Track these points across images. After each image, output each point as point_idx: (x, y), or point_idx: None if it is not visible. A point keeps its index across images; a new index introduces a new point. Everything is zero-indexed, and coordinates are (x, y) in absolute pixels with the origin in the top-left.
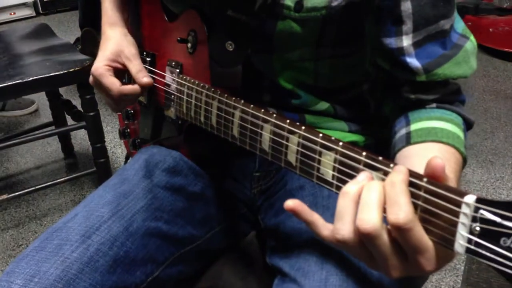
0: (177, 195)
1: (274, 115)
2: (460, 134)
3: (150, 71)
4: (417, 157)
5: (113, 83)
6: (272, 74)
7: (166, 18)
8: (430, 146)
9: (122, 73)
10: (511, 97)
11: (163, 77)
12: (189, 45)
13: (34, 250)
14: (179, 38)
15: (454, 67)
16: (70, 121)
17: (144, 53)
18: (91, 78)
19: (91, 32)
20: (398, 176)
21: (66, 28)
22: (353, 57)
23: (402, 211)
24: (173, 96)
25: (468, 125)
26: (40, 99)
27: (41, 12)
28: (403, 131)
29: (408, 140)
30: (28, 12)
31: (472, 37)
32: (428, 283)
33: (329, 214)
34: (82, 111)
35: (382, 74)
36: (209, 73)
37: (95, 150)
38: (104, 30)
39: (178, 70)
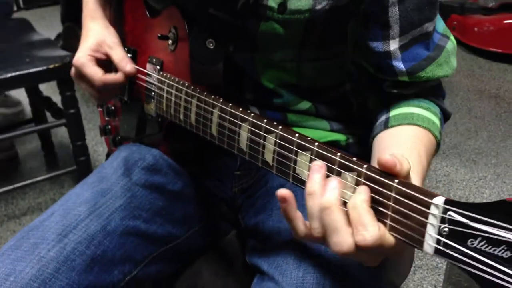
0: (156, 194)
1: (252, 114)
2: (436, 120)
3: None
4: (392, 137)
5: (95, 72)
6: (254, 73)
7: (148, 14)
8: (405, 128)
9: (104, 64)
10: (495, 97)
11: (144, 74)
12: (170, 42)
13: (9, 249)
14: (159, 35)
15: (436, 69)
16: (50, 118)
17: (126, 48)
18: (72, 70)
19: (73, 27)
20: (359, 197)
21: (48, 23)
22: (336, 59)
23: (368, 231)
24: (153, 93)
25: (445, 116)
26: (20, 95)
27: (22, 6)
28: (383, 118)
29: (386, 124)
30: None
31: (451, 37)
32: (410, 282)
33: (307, 212)
34: (63, 108)
35: (365, 74)
36: (189, 71)
37: (75, 148)
38: (85, 23)
39: (158, 67)
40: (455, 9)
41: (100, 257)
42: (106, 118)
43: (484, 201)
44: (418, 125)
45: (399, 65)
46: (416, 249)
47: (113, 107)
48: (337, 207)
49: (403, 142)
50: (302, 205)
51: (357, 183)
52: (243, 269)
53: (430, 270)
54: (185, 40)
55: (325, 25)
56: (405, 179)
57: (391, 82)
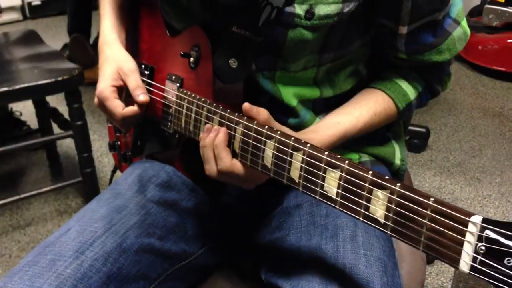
0: (170, 211)
1: (279, 132)
2: (410, 93)
3: (148, 84)
4: (362, 93)
5: (116, 106)
6: (275, 92)
7: (168, 33)
8: (374, 91)
9: (125, 91)
10: (499, 115)
11: (162, 90)
12: (191, 59)
13: (27, 264)
14: (182, 53)
15: (435, 55)
16: (56, 128)
17: (143, 66)
18: (96, 100)
19: (79, 39)
20: (218, 139)
21: (54, 33)
22: (351, 57)
23: (223, 162)
24: (171, 109)
25: (433, 93)
26: (26, 106)
27: (28, 16)
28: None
29: (370, 82)
30: (15, 16)
31: (463, 22)
32: None
33: (328, 234)
34: (69, 119)
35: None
36: (212, 89)
37: (81, 160)
38: (101, 49)
39: (178, 84)
40: None
41: (116, 275)
42: (117, 134)
43: None
44: (385, 92)
45: (401, 45)
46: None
47: None
48: (209, 146)
49: (358, 101)
50: (321, 226)
51: (390, 201)
52: (256, 287)
53: None
54: (208, 58)
55: (346, 26)
56: (264, 122)
57: (391, 54)
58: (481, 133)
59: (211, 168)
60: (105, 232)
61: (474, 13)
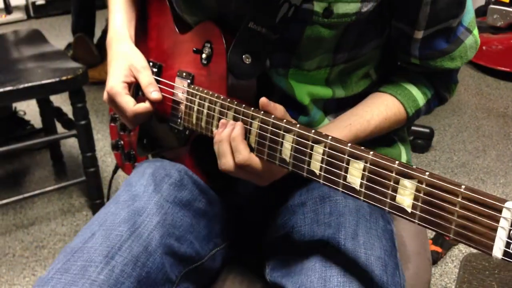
0: (185, 211)
1: (298, 125)
2: (420, 99)
3: (157, 81)
4: (372, 97)
5: (127, 102)
6: (288, 89)
7: (177, 30)
8: (384, 95)
9: (135, 88)
10: (503, 116)
11: (171, 87)
12: (203, 56)
13: (58, 272)
14: (195, 49)
15: (447, 61)
16: (60, 128)
17: (151, 63)
18: (105, 96)
19: (83, 38)
20: (235, 132)
21: (58, 33)
22: (363, 59)
23: (241, 155)
24: (181, 106)
25: (440, 100)
26: (30, 105)
27: (32, 15)
28: (384, 82)
29: (380, 87)
30: (19, 15)
31: (475, 31)
32: None
33: (331, 232)
34: (73, 119)
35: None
36: (225, 84)
37: (85, 159)
38: (110, 45)
39: (189, 81)
40: None
41: (145, 279)
42: (121, 133)
43: None
44: (396, 97)
45: (415, 50)
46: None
47: None
48: (226, 139)
49: (369, 105)
50: (324, 224)
51: (418, 190)
52: (264, 287)
53: None
54: (221, 54)
55: (363, 26)
56: (283, 116)
57: (403, 58)
58: (485, 133)
59: (227, 162)
60: (131, 236)
61: (479, 13)
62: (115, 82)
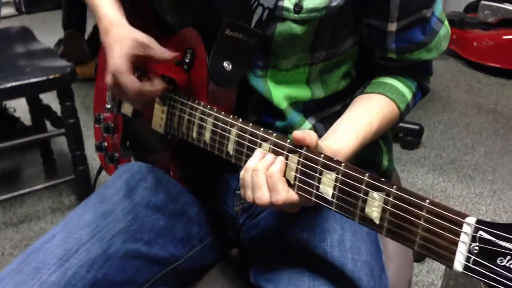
0: (159, 214)
1: (274, 134)
2: (407, 93)
3: None
4: (362, 100)
5: (135, 80)
6: (266, 93)
7: (160, 34)
8: (374, 96)
9: (138, 67)
10: (493, 112)
11: None
12: (186, 61)
13: (11, 272)
14: (175, 62)
15: (424, 53)
16: (49, 126)
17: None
18: (109, 78)
19: (74, 34)
20: (275, 167)
21: (49, 28)
22: (342, 57)
23: (280, 195)
24: (163, 110)
25: (423, 91)
26: (20, 103)
27: (23, 10)
28: (365, 83)
29: (364, 89)
30: (10, 10)
31: (446, 21)
32: None
33: (316, 239)
34: (62, 118)
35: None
36: (206, 91)
37: (74, 158)
38: (108, 30)
39: (171, 86)
40: (454, 23)
41: (101, 281)
42: (104, 135)
43: (480, 217)
44: (385, 95)
45: (391, 44)
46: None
47: (113, 124)
48: (262, 171)
49: (365, 107)
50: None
51: (386, 202)
52: None
53: (426, 287)
54: (202, 61)
55: (336, 22)
56: (315, 147)
57: (380, 54)
58: (474, 130)
59: (263, 196)
60: (91, 239)
61: (470, 9)
62: (121, 61)
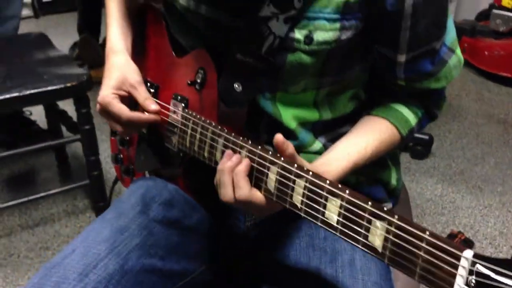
0: (173, 229)
1: (282, 158)
2: (412, 119)
3: None
4: (364, 122)
5: (120, 108)
6: (276, 114)
7: (174, 53)
8: (377, 120)
9: (127, 101)
10: (503, 122)
11: (167, 109)
12: (198, 81)
13: (33, 287)
14: (189, 81)
15: (433, 82)
16: (65, 131)
17: (148, 83)
18: (98, 107)
19: (89, 39)
20: (239, 167)
21: (64, 30)
22: (350, 82)
23: (242, 191)
24: (176, 128)
25: (431, 117)
26: (36, 107)
27: (39, 13)
28: (374, 106)
29: (371, 111)
30: (26, 12)
31: (457, 50)
32: None
33: (327, 258)
34: (78, 124)
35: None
36: (216, 111)
37: (89, 163)
38: (108, 55)
39: (183, 105)
40: (466, 32)
41: None
42: (120, 147)
43: (489, 230)
44: (388, 120)
45: (400, 72)
46: None
47: (127, 137)
48: (228, 172)
49: (364, 130)
50: (320, 249)
51: (388, 232)
52: None
53: None
54: (213, 82)
55: (345, 51)
56: (291, 158)
57: (389, 80)
58: (484, 140)
59: (227, 193)
60: (108, 254)
61: (482, 17)
62: (106, 93)
